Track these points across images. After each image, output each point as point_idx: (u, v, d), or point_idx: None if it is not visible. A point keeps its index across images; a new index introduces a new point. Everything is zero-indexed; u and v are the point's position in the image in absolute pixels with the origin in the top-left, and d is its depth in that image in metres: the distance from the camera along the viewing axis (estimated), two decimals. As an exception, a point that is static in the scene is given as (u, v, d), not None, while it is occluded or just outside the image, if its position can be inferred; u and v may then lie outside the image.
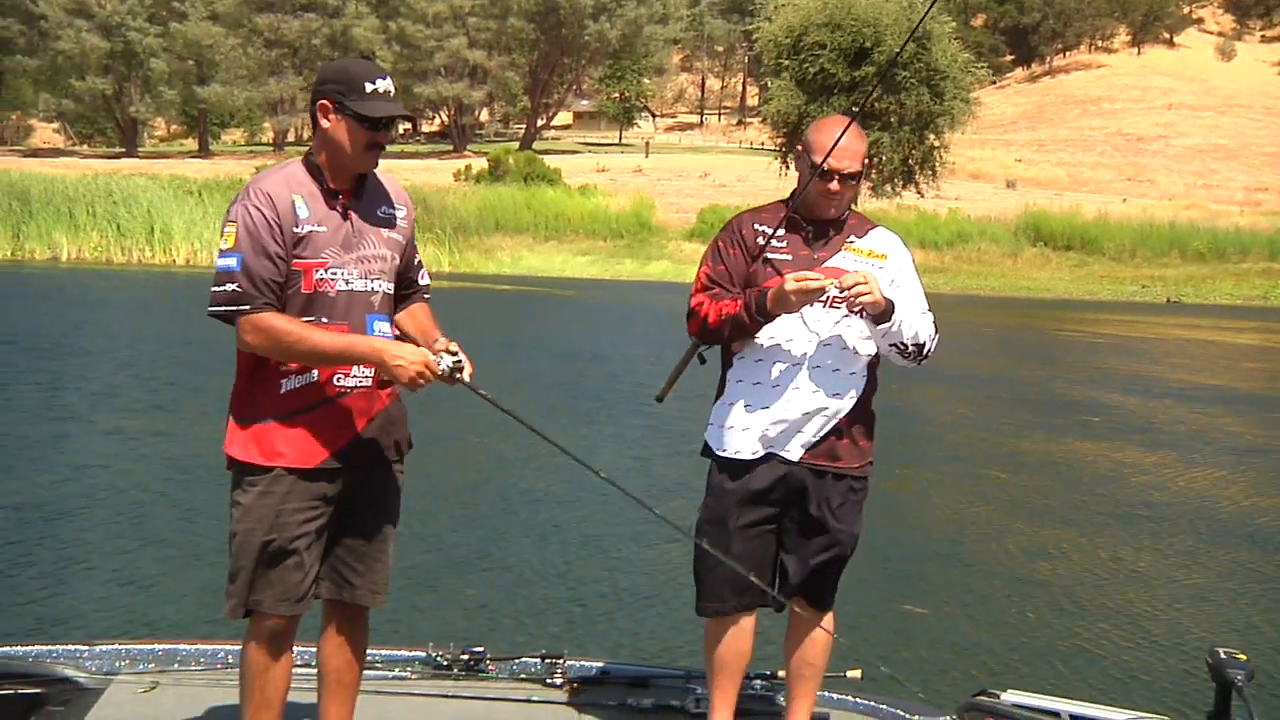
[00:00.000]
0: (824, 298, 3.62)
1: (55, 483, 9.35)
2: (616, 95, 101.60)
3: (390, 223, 3.42)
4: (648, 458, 11.28)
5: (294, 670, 3.52)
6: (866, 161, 3.79)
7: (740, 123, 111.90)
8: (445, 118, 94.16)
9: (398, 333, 3.46)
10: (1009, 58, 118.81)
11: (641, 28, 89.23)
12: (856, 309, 3.64)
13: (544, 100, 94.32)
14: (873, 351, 3.79)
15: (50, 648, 4.25)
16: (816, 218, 3.78)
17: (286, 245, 3.21)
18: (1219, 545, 9.13)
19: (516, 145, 79.32)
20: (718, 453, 3.81)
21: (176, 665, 4.18)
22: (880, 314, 3.63)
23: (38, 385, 13.88)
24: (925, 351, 3.79)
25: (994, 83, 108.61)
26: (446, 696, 4.14)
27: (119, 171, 49.42)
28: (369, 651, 4.30)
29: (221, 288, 3.18)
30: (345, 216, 3.32)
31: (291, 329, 3.20)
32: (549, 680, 4.27)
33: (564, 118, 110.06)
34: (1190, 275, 50.14)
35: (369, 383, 3.35)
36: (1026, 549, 8.82)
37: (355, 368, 3.30)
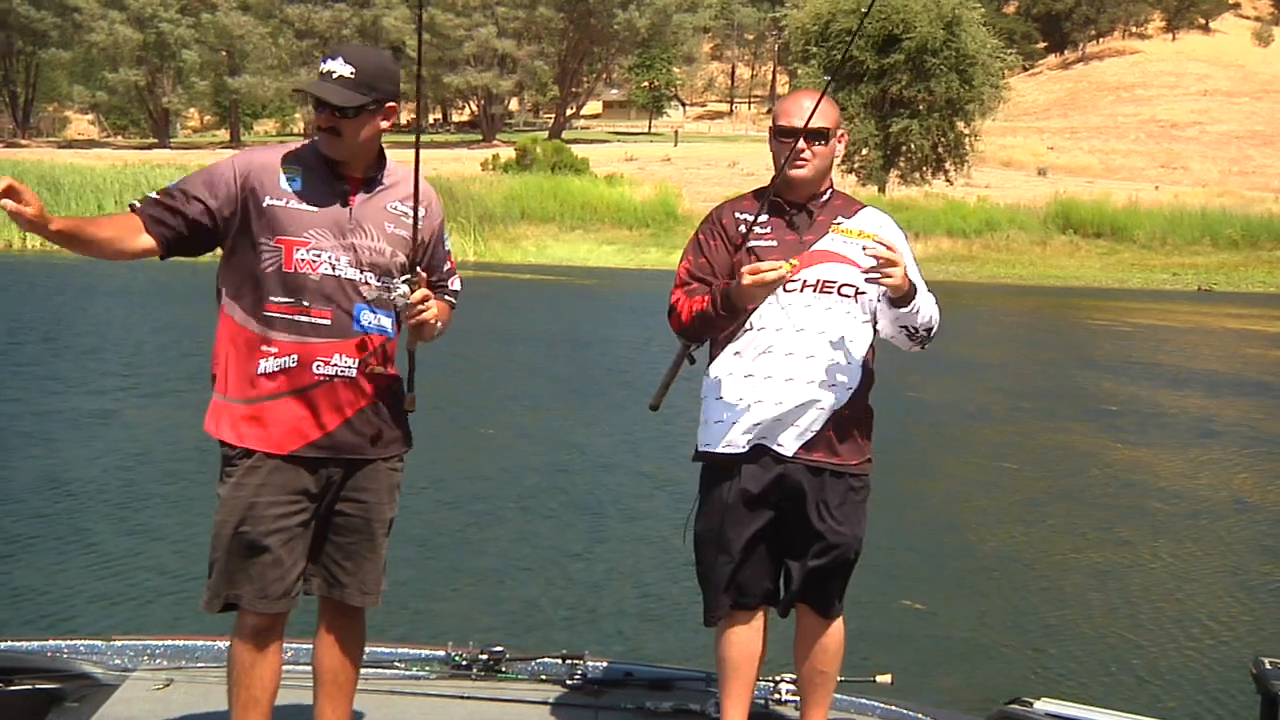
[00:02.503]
0: (787, 283, 3.45)
1: (77, 471, 9.39)
2: (646, 84, 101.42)
3: (398, 219, 3.34)
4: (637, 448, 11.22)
5: (295, 668, 3.46)
6: (837, 127, 3.63)
7: (769, 111, 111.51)
8: (474, 107, 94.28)
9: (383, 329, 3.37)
10: (1042, 45, 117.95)
11: (670, 16, 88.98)
12: (881, 289, 3.48)
13: (573, 89, 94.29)
14: (869, 342, 3.63)
15: (71, 643, 4.23)
16: (798, 199, 3.64)
17: (234, 202, 3.23)
18: (1263, 544, 8.93)
19: (546, 135, 79.29)
20: (704, 449, 3.66)
21: (192, 662, 4.15)
22: (901, 297, 3.48)
23: (51, 375, 13.93)
24: (932, 335, 3.65)
25: (1026, 70, 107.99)
26: (463, 697, 4.07)
27: (149, 162, 49.72)
28: (387, 650, 4.29)
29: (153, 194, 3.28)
30: (345, 203, 3.27)
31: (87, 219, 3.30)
32: (569, 681, 4.19)
33: (594, 107, 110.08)
34: (1222, 263, 49.53)
35: (352, 373, 3.27)
36: (1057, 547, 8.68)
37: (337, 356, 3.24)
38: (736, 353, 3.63)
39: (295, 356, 3.23)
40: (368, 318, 3.27)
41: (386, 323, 3.33)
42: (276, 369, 3.23)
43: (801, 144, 3.56)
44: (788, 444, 3.57)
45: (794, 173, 3.59)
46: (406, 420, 3.47)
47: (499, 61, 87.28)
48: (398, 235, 3.34)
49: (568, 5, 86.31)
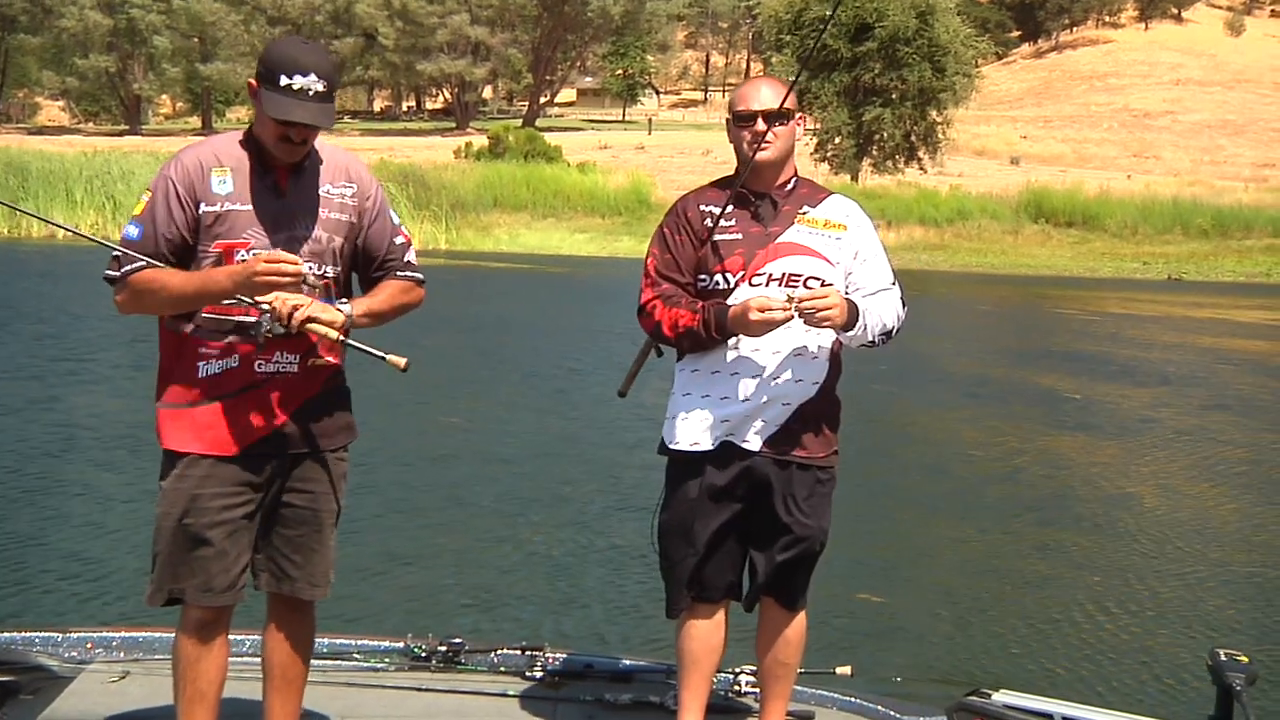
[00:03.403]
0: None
1: (35, 457, 9.34)
2: (620, 72, 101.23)
3: (331, 203, 3.27)
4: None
5: (244, 661, 3.42)
6: (792, 107, 3.58)
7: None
8: (448, 95, 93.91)
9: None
10: (1016, 33, 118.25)
11: (644, 4, 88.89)
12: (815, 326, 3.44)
13: (547, 77, 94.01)
14: (835, 335, 3.60)
15: (26, 635, 4.21)
16: (764, 188, 3.61)
17: (196, 221, 3.13)
18: (1220, 538, 8.95)
19: (520, 123, 79.07)
20: (672, 446, 3.64)
21: (149, 654, 4.12)
22: (843, 325, 3.46)
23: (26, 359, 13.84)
24: (893, 334, 3.63)
25: (1000, 58, 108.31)
26: (422, 689, 4.06)
27: (119, 149, 49.29)
28: (345, 641, 4.29)
29: (117, 255, 3.14)
30: (278, 195, 3.19)
31: (152, 278, 3.10)
32: (528, 673, 4.19)
33: (568, 95, 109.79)
34: (1193, 252, 49.79)
35: (295, 369, 3.22)
36: (1016, 541, 8.69)
37: (278, 353, 3.18)
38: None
39: (236, 357, 3.18)
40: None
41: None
42: (218, 370, 3.19)
43: (762, 125, 3.53)
44: (754, 439, 3.56)
45: (759, 155, 3.55)
46: (350, 410, 3.43)
47: (473, 49, 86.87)
48: (334, 220, 3.27)
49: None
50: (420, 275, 3.49)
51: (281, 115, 3.05)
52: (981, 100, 60.89)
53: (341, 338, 3.20)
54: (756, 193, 3.61)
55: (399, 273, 3.43)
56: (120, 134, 78.92)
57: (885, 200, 50.10)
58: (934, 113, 56.16)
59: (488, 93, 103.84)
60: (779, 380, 3.54)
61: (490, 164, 52.70)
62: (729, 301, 3.50)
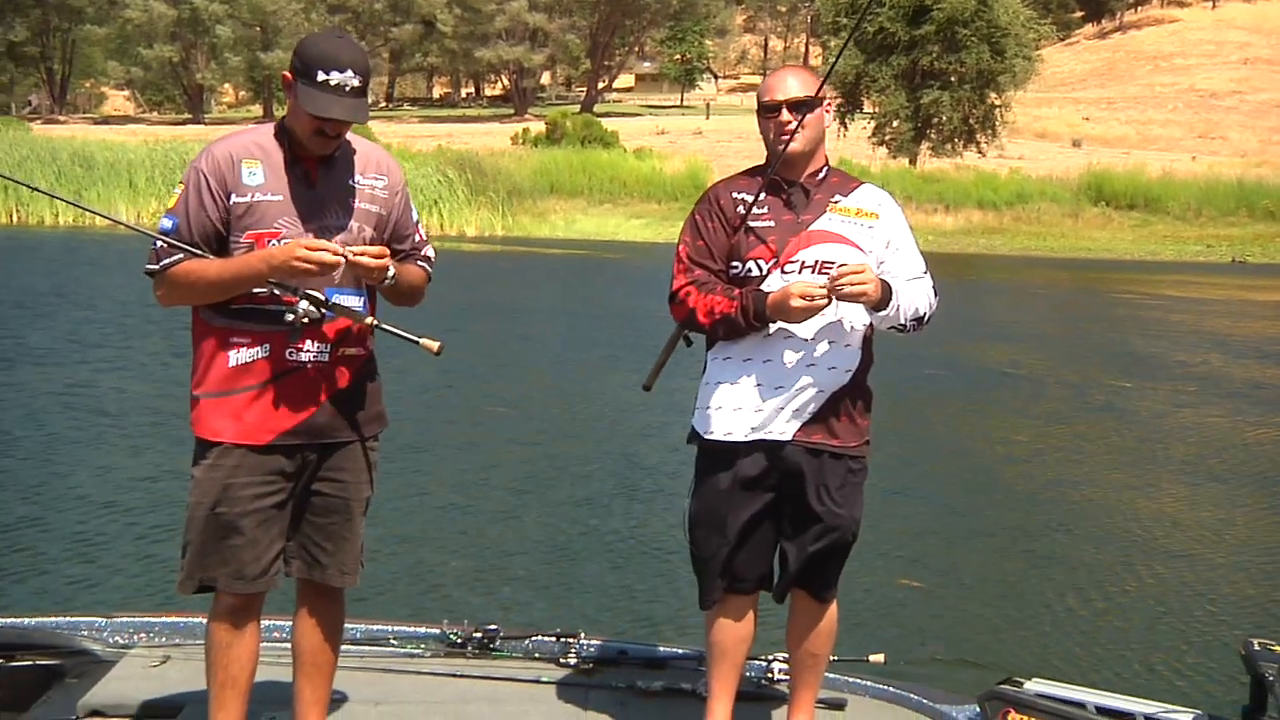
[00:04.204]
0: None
1: (75, 445, 9.48)
2: (678, 57, 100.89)
3: (362, 193, 3.32)
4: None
5: (274, 646, 3.48)
6: (824, 101, 3.60)
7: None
8: (507, 81, 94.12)
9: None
10: (1079, 14, 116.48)
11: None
12: (849, 301, 3.45)
13: (605, 63, 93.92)
14: (867, 323, 3.60)
15: (72, 619, 4.31)
16: (795, 176, 3.61)
17: (228, 212, 3.18)
18: (1259, 528, 8.82)
19: (578, 109, 79.10)
20: (705, 436, 3.63)
21: (189, 639, 4.19)
22: (877, 303, 3.46)
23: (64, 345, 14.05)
24: (925, 320, 3.63)
25: (1062, 40, 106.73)
26: (456, 675, 4.11)
27: (180, 139, 49.95)
28: (382, 627, 4.35)
29: (155, 247, 3.20)
30: (309, 185, 3.24)
31: (189, 268, 3.16)
32: (562, 659, 4.23)
33: (626, 80, 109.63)
34: (1258, 234, 48.83)
35: (326, 358, 3.27)
36: (1053, 526, 8.62)
37: (309, 342, 3.23)
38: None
39: (267, 345, 3.22)
40: (337, 299, 3.24)
41: (357, 303, 3.31)
42: (249, 359, 3.23)
43: (786, 115, 3.53)
44: (786, 427, 3.55)
45: (796, 150, 3.55)
46: (381, 400, 3.48)
47: (530, 35, 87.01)
48: (364, 210, 3.32)
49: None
50: (432, 270, 3.58)
51: (319, 111, 3.10)
52: (1043, 82, 60.10)
53: (376, 322, 3.26)
54: (788, 181, 3.62)
55: (418, 262, 3.52)
56: (183, 123, 79.93)
57: (943, 184, 49.63)
58: (993, 95, 55.50)
59: (546, 79, 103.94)
60: (811, 368, 3.53)
61: (547, 150, 52.78)
62: (762, 288, 3.50)
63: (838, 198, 3.62)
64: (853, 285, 3.36)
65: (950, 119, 55.36)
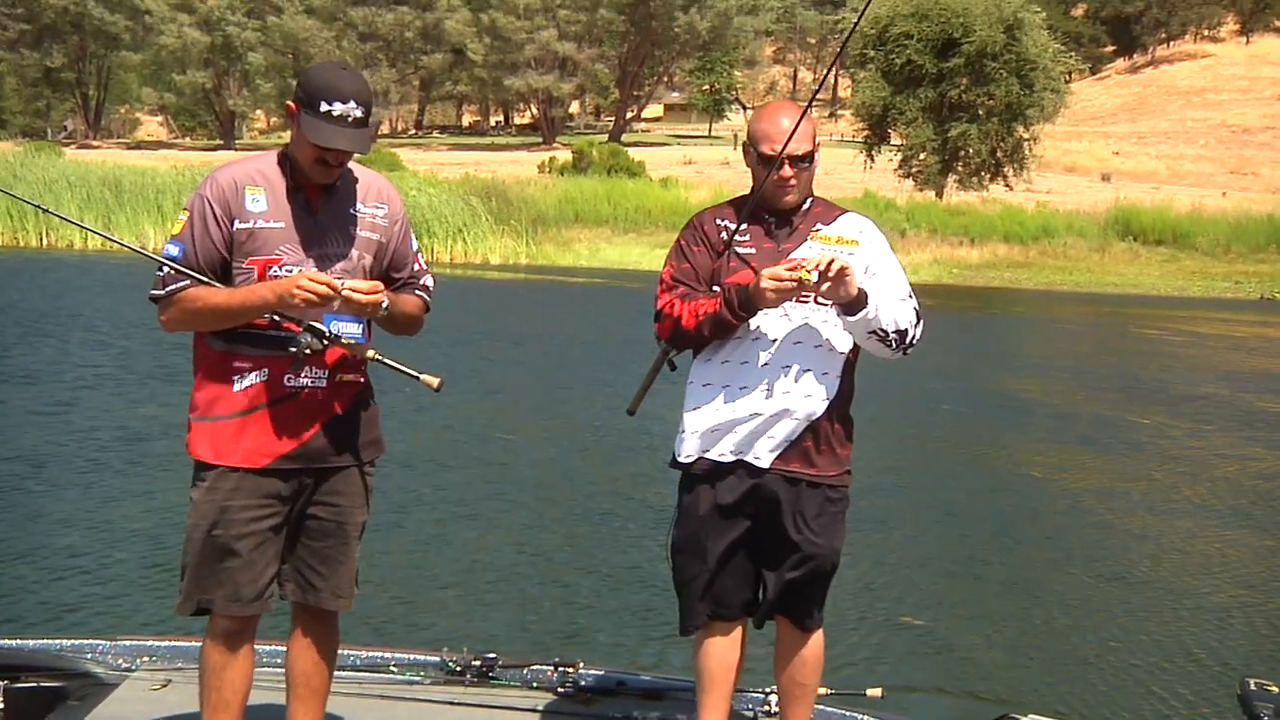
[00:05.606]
0: (804, 292, 3.42)
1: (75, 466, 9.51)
2: (707, 87, 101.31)
3: (363, 221, 3.37)
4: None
5: (268, 671, 3.51)
6: (816, 144, 3.61)
7: (831, 115, 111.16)
8: (535, 110, 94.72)
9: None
10: (1110, 48, 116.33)
11: (732, 19, 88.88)
12: (827, 301, 3.46)
13: (634, 92, 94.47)
14: (847, 351, 3.60)
15: (75, 641, 4.34)
16: (777, 208, 3.63)
17: (231, 238, 3.23)
18: (1256, 568, 8.72)
19: (606, 138, 79.49)
20: (682, 460, 3.65)
21: (191, 663, 4.16)
22: (852, 302, 3.44)
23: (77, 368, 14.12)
24: (909, 339, 3.59)
25: (1093, 73, 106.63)
26: (455, 703, 4.13)
27: (210, 164, 50.37)
28: (381, 654, 4.38)
29: (161, 273, 3.25)
30: (310, 213, 3.29)
31: (197, 295, 3.20)
32: (560, 689, 4.23)
33: (655, 110, 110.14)
34: (1289, 272, 48.48)
35: (324, 383, 3.31)
36: (1049, 560, 8.57)
37: (308, 368, 3.27)
38: (713, 362, 3.62)
39: (266, 370, 3.27)
40: (337, 326, 3.29)
41: (355, 330, 3.36)
42: (249, 384, 3.28)
43: (788, 170, 3.55)
44: (764, 455, 3.56)
45: (789, 200, 3.60)
46: (378, 426, 3.53)
47: (560, 64, 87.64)
48: (364, 238, 3.37)
49: (629, 8, 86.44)
50: (430, 299, 3.61)
51: (322, 141, 3.17)
52: (1073, 116, 59.94)
53: (376, 356, 3.32)
54: (771, 211, 3.64)
55: (416, 291, 3.55)
56: (215, 148, 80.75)
57: (969, 217, 49.49)
58: (1020, 129, 55.38)
59: (575, 108, 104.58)
60: (788, 394, 3.54)
61: (573, 179, 53.03)
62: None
63: (819, 226, 3.65)
64: (835, 267, 3.35)
65: (978, 152, 55.25)
